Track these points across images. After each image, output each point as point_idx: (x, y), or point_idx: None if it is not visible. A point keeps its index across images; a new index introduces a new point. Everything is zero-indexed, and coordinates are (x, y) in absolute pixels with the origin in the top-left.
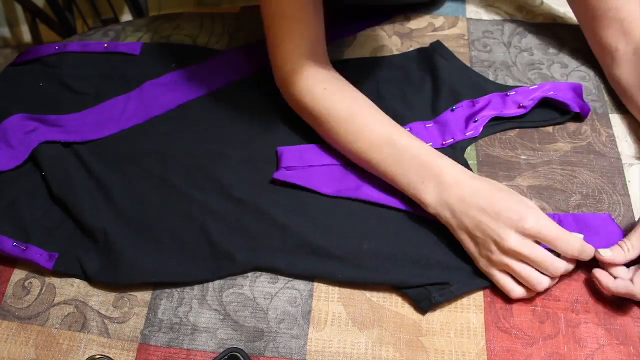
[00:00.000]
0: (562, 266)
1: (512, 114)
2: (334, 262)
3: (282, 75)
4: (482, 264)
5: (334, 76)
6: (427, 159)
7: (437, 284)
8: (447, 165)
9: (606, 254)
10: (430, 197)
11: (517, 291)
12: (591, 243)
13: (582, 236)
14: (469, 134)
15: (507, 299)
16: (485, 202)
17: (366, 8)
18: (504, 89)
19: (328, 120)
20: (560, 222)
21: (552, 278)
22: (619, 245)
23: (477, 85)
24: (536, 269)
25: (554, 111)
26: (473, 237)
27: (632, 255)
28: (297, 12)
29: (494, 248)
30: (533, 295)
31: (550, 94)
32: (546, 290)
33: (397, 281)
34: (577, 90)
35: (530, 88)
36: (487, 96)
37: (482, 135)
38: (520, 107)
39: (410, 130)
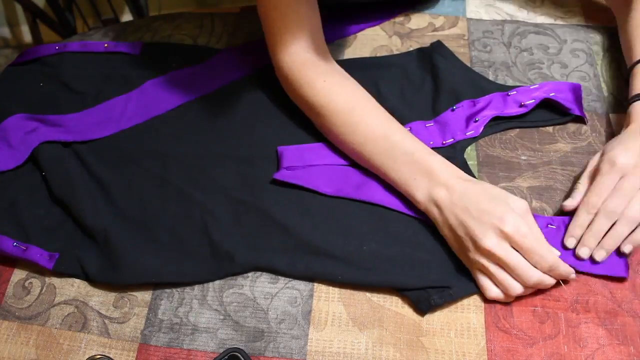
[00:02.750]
0: (535, 276)
1: (512, 114)
2: (333, 262)
3: (281, 68)
4: (465, 261)
5: (333, 68)
6: (419, 155)
7: (437, 287)
8: (438, 164)
9: (568, 202)
10: (420, 193)
11: (492, 291)
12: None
13: (558, 253)
14: (469, 133)
15: None
16: (471, 202)
17: (362, 5)
18: (504, 88)
19: (325, 113)
20: (565, 225)
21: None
22: (574, 190)
23: (478, 85)
24: (510, 274)
25: (554, 112)
26: (456, 236)
27: (584, 189)
28: (292, 4)
29: (472, 247)
30: (510, 300)
31: (551, 95)
32: (543, 291)
33: (396, 283)
34: (577, 91)
35: (531, 87)
36: (487, 96)
37: (482, 135)
38: (521, 106)
39: (411, 130)
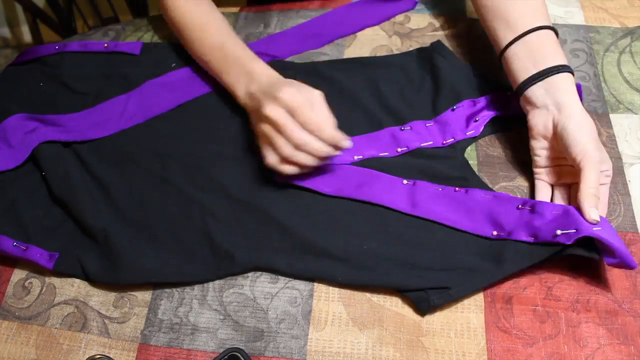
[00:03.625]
0: (302, 136)
1: (512, 114)
2: (333, 262)
3: None
4: (258, 140)
5: None
6: (244, 60)
7: (436, 287)
8: (258, 66)
9: (595, 215)
10: (241, 90)
11: (269, 157)
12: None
13: (331, 123)
14: (469, 133)
15: (507, 298)
16: (268, 86)
17: None
18: (504, 88)
19: (182, 27)
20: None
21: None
22: (593, 196)
23: (478, 85)
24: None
25: None
26: (256, 115)
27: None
28: None
29: (258, 119)
30: (286, 169)
31: None
32: (543, 291)
33: (396, 284)
34: (577, 90)
35: None
36: (487, 96)
37: (482, 134)
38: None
39: (411, 129)
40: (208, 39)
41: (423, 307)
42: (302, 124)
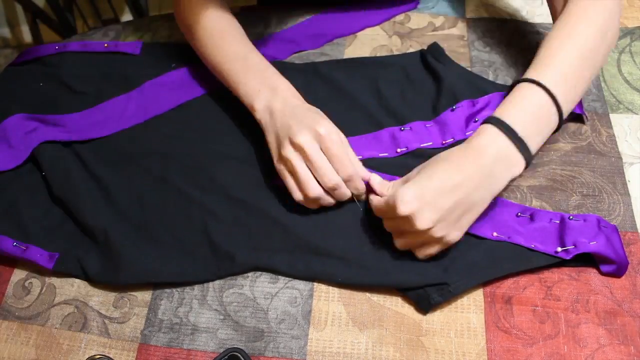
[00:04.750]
0: (334, 179)
1: None
2: (333, 262)
3: (176, 2)
4: (276, 160)
5: (219, 2)
6: (269, 73)
7: (435, 284)
8: (283, 82)
9: (375, 179)
10: (260, 102)
11: (296, 193)
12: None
13: (366, 172)
14: (469, 133)
15: (507, 298)
16: (299, 111)
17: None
18: (503, 88)
19: (198, 30)
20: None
21: (329, 191)
22: (388, 183)
23: (477, 86)
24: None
25: None
26: (277, 137)
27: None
28: None
29: (287, 144)
30: (311, 205)
31: None
32: (543, 291)
33: (396, 282)
34: None
35: None
36: (487, 96)
37: None
38: None
39: (411, 130)
40: (229, 47)
41: (424, 306)
42: (335, 167)
